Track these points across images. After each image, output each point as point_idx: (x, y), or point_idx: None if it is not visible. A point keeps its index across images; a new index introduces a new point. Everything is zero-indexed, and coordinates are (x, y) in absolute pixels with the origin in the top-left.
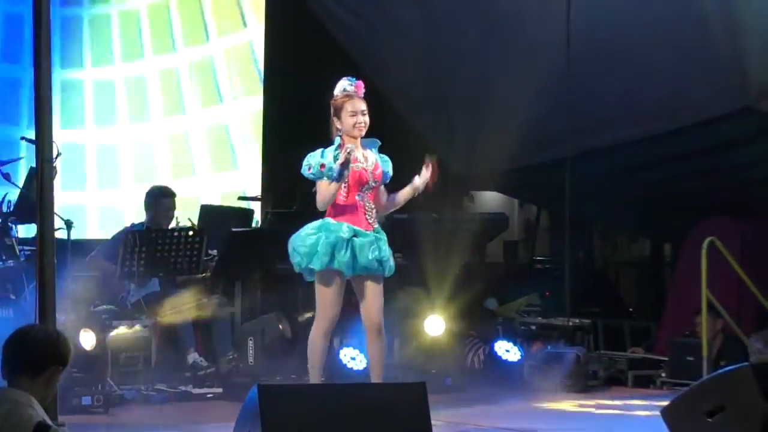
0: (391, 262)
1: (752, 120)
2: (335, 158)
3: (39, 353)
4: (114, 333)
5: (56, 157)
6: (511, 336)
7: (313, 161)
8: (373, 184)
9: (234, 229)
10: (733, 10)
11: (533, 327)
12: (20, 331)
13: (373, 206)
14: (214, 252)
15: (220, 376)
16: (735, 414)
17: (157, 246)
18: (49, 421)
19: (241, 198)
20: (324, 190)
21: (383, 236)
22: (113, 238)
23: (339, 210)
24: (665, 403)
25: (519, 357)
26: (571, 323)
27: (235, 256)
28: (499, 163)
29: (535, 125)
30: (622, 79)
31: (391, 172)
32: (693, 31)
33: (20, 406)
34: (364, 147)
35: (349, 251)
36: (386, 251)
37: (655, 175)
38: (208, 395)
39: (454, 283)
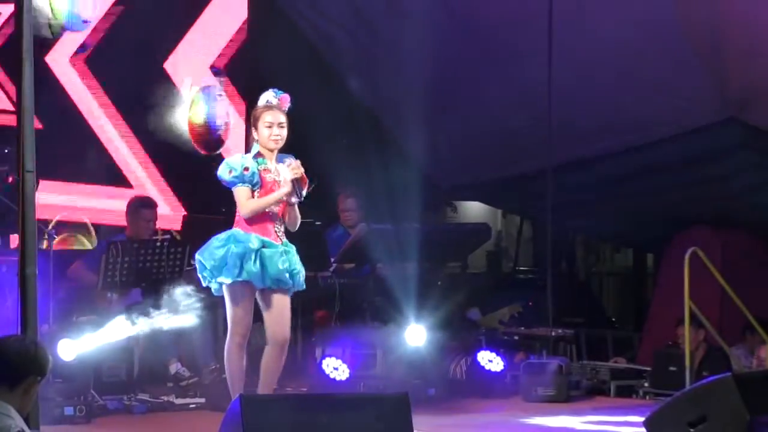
0: (302, 277)
1: (733, 131)
2: (253, 167)
3: (16, 364)
4: (96, 343)
5: None
6: (493, 346)
7: (235, 164)
8: (284, 198)
9: None
10: (714, 21)
11: (516, 337)
12: None
13: (282, 221)
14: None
15: (203, 387)
16: (717, 424)
17: (140, 256)
18: (28, 431)
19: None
20: (245, 196)
21: (292, 249)
22: (95, 248)
23: (248, 221)
24: (648, 413)
25: (502, 367)
26: (553, 333)
27: None
28: (481, 173)
29: (517, 136)
30: (603, 90)
31: (304, 190)
32: (674, 43)
33: None
34: (279, 161)
35: (258, 262)
36: (296, 264)
37: (638, 185)
38: (191, 405)
39: (437, 293)
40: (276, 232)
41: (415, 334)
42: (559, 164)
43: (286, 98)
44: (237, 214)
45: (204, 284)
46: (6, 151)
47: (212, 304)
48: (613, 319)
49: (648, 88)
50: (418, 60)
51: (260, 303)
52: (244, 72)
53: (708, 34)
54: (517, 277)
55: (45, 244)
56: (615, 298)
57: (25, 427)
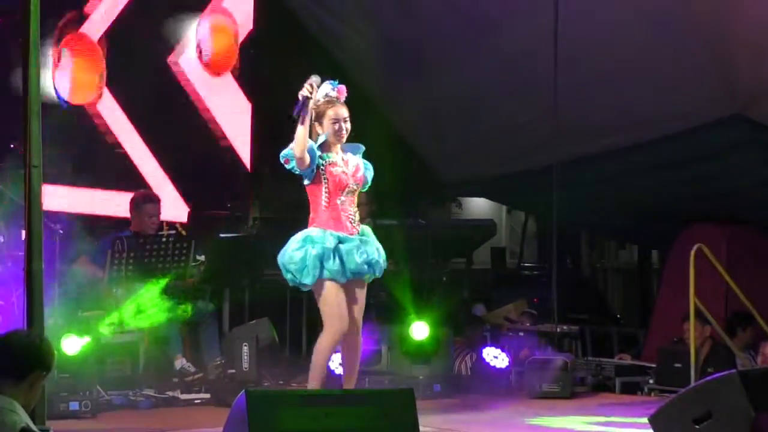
0: (381, 263)
1: (740, 127)
2: (318, 163)
3: (21, 358)
4: (101, 338)
5: None
6: (498, 342)
7: (289, 153)
8: (354, 188)
9: (222, 235)
10: (722, 18)
11: (521, 333)
12: (2, 336)
13: (355, 210)
14: (202, 257)
15: (208, 382)
16: (722, 421)
17: (145, 251)
18: (33, 426)
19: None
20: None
21: (369, 238)
22: (101, 243)
23: (321, 217)
24: (653, 410)
25: (507, 363)
26: (558, 330)
27: (223, 261)
28: (487, 169)
29: (522, 132)
30: (609, 86)
31: (370, 180)
32: (681, 39)
33: (3, 412)
34: (345, 151)
35: (337, 259)
36: (373, 252)
37: (643, 182)
38: (196, 401)
39: (442, 289)
40: (351, 222)
41: (420, 330)
42: (565, 160)
43: (343, 89)
44: (311, 212)
45: (291, 284)
46: (12, 146)
47: (217, 299)
48: (618, 316)
49: (654, 84)
50: (424, 55)
51: None
52: (249, 71)
53: (715, 30)
54: (522, 273)
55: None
56: (620, 295)
57: (30, 423)
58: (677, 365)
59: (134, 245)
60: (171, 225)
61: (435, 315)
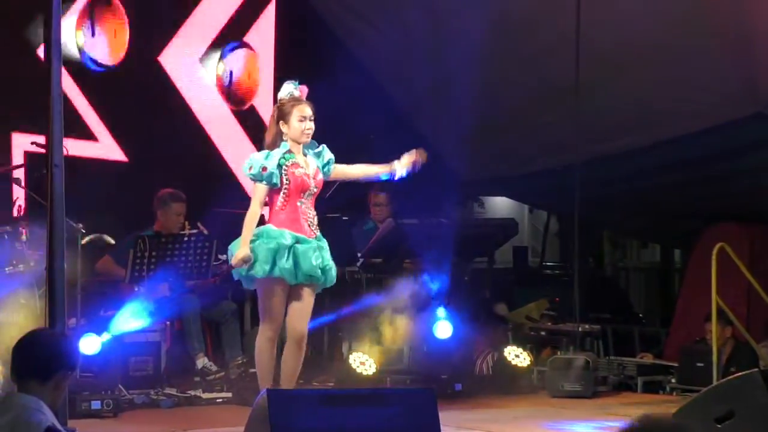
0: (333, 272)
1: (762, 125)
2: (280, 163)
3: (47, 358)
4: (124, 338)
5: None
6: (520, 341)
7: (255, 162)
8: (314, 190)
9: None
10: (743, 16)
11: (543, 333)
12: (28, 335)
13: (314, 213)
14: (224, 257)
15: (230, 381)
16: (745, 420)
17: (167, 251)
18: (59, 426)
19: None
20: (259, 194)
21: (325, 244)
22: (123, 242)
23: (280, 217)
24: (675, 409)
25: (528, 363)
26: (580, 329)
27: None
28: (509, 168)
29: (544, 131)
30: (631, 84)
31: (332, 156)
32: (702, 37)
33: (29, 411)
34: (305, 153)
35: (290, 258)
36: (328, 259)
37: (665, 180)
38: (218, 400)
39: (464, 288)
40: (310, 226)
41: (442, 329)
42: (587, 159)
43: (305, 89)
44: (269, 210)
45: (235, 277)
46: (32, 144)
47: (239, 298)
48: (640, 315)
49: (675, 83)
50: (445, 54)
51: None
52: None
53: (736, 28)
54: (544, 272)
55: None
56: (642, 294)
57: (56, 422)
58: (699, 364)
59: (156, 244)
60: (193, 224)
61: (457, 314)
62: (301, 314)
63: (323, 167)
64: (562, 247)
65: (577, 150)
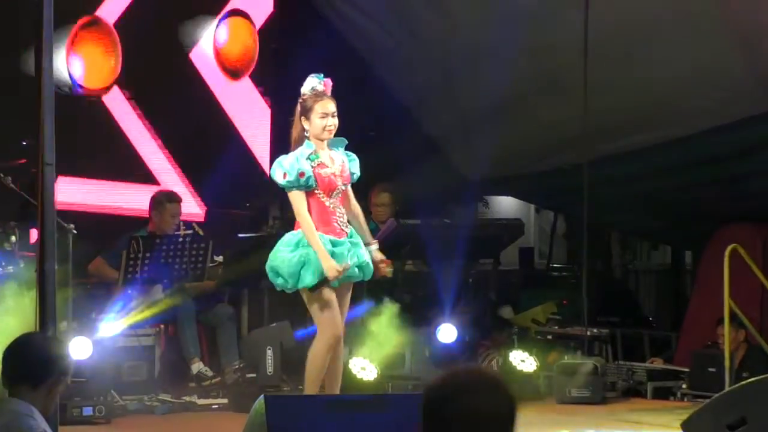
0: (370, 267)
1: None
2: (309, 163)
3: (39, 363)
4: (117, 342)
5: None
6: (526, 346)
7: (290, 168)
8: (343, 188)
9: (241, 235)
10: (758, 13)
11: (549, 336)
12: (19, 339)
13: (343, 211)
14: (220, 258)
15: (226, 387)
16: (758, 426)
17: (162, 252)
18: None
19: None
20: (300, 203)
21: (357, 239)
22: (116, 243)
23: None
24: (686, 415)
25: (534, 367)
26: (588, 333)
27: (242, 262)
28: (515, 167)
29: (551, 129)
30: (640, 82)
31: (358, 172)
32: (715, 33)
33: (20, 417)
34: (330, 147)
35: None
36: (363, 255)
37: (675, 180)
38: (213, 406)
39: (468, 290)
40: (340, 225)
41: (446, 333)
42: (595, 158)
43: (329, 83)
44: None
45: (279, 290)
46: (24, 143)
47: (236, 301)
48: (650, 319)
49: (687, 80)
50: (451, 52)
51: None
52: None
53: (749, 23)
54: (551, 274)
55: None
56: (652, 297)
57: (48, 429)
58: (711, 369)
59: (150, 245)
60: (188, 225)
61: (461, 317)
62: (342, 314)
63: (351, 163)
64: (570, 248)
65: (585, 148)
